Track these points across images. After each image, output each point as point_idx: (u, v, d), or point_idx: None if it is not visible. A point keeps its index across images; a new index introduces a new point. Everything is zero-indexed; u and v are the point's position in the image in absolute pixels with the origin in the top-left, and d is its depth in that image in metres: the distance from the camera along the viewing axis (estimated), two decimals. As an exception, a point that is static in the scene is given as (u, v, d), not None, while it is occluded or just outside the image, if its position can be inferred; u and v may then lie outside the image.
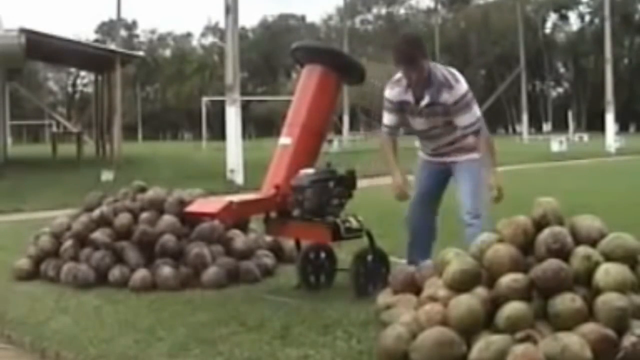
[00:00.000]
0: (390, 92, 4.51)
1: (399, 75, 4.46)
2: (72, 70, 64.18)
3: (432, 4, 70.54)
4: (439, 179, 4.69)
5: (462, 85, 4.33)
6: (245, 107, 29.21)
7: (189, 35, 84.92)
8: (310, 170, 4.58)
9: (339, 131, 36.62)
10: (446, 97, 4.32)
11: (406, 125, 4.63)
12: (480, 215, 4.37)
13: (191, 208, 4.81)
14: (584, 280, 3.04)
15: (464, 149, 4.50)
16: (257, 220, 5.44)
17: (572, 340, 2.79)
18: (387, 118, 4.61)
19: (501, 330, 2.93)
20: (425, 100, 4.38)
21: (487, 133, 4.45)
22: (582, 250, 3.12)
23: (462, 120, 4.35)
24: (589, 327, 2.87)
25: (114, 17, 43.47)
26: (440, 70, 4.39)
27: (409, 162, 4.84)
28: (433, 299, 3.20)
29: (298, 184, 4.53)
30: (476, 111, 4.37)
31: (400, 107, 4.51)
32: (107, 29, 76.13)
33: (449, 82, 4.32)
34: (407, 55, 4.30)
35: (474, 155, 4.44)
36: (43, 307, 4.52)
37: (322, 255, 4.83)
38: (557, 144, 27.25)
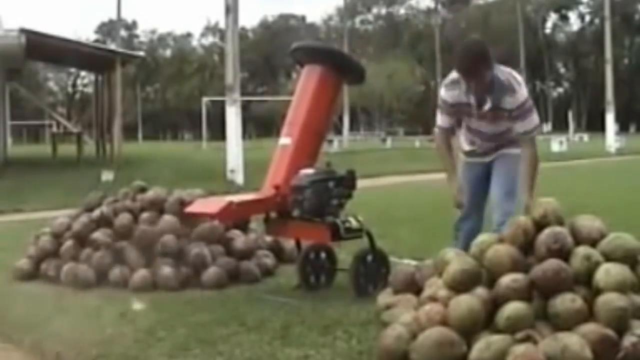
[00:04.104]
0: (447, 93, 4.27)
1: (454, 75, 4.21)
2: (72, 70, 64.18)
3: (432, 4, 70.72)
4: (485, 181, 4.46)
5: (524, 90, 4.17)
6: (245, 107, 29.17)
7: (189, 35, 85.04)
8: (310, 171, 4.58)
9: (339, 131, 36.62)
10: (509, 101, 4.12)
11: (460, 125, 4.46)
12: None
13: (191, 208, 4.82)
14: (584, 281, 3.04)
15: (504, 145, 4.37)
16: (257, 220, 5.44)
17: (572, 340, 2.79)
18: (442, 119, 4.37)
19: (501, 331, 2.93)
20: (488, 105, 4.16)
21: (535, 148, 4.20)
22: (582, 250, 3.12)
23: (522, 126, 4.16)
24: (589, 327, 2.87)
25: (114, 17, 43.57)
26: (504, 73, 4.18)
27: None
28: (433, 299, 3.20)
29: (298, 184, 4.53)
30: (535, 118, 4.21)
31: (457, 109, 4.30)
32: (107, 29, 76.17)
33: (512, 86, 4.13)
34: (470, 68, 4.07)
35: (513, 150, 4.31)
36: (43, 307, 4.52)
37: (322, 255, 4.83)
38: (557, 144, 27.25)
